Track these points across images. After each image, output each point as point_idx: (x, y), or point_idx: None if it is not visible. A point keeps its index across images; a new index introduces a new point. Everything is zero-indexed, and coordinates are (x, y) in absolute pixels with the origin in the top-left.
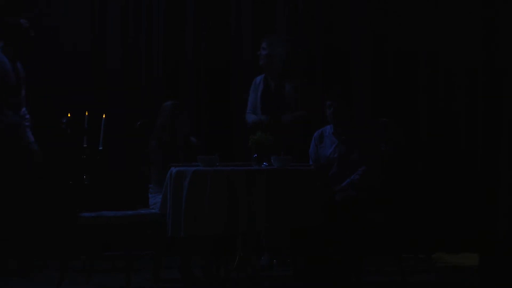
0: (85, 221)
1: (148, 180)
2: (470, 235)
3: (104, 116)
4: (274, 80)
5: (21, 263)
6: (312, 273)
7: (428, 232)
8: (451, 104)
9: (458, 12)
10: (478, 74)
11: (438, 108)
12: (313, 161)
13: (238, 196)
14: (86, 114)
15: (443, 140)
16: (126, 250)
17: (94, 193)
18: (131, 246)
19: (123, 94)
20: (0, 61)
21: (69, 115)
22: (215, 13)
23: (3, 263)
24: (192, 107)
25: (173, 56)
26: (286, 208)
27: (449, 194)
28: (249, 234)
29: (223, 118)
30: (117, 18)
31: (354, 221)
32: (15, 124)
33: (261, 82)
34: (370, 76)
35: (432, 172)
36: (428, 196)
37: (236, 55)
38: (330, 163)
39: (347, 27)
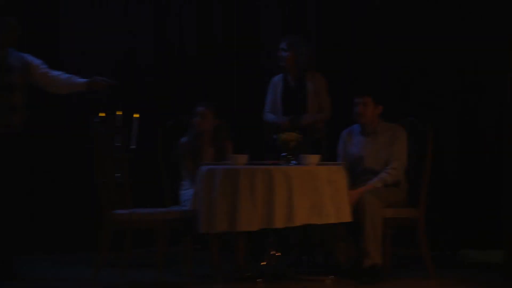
0: (119, 218)
1: (180, 177)
2: (495, 233)
3: (136, 115)
4: (294, 80)
5: (54, 257)
6: (340, 269)
7: (454, 230)
8: (479, 103)
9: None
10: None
11: (467, 107)
12: (341, 159)
13: (269, 193)
14: (118, 113)
15: (469, 138)
16: (158, 246)
17: (127, 191)
18: (163, 242)
19: (155, 94)
20: None
21: (103, 114)
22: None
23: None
24: (223, 108)
25: (205, 58)
26: (317, 204)
27: (475, 192)
28: (282, 230)
29: (252, 118)
30: (150, 17)
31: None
32: None
33: (279, 82)
34: (397, 74)
35: (458, 170)
36: (455, 194)
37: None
38: (358, 161)
39: (374, 25)
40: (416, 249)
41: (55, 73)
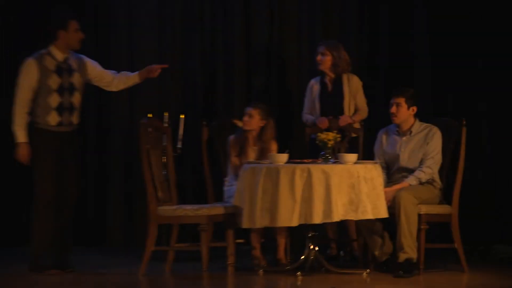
0: (165, 213)
1: (224, 174)
2: None
3: (183, 116)
4: (331, 83)
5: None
6: (376, 262)
7: (487, 225)
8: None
9: None
10: None
11: (497, 108)
12: (378, 158)
13: (308, 191)
14: (166, 114)
15: (500, 137)
16: (202, 240)
17: (173, 188)
18: (206, 237)
19: (200, 95)
20: None
21: (150, 115)
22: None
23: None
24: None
25: (248, 62)
26: (354, 201)
27: (507, 190)
28: (322, 225)
29: (292, 118)
30: (195, 21)
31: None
32: None
33: (316, 84)
34: (430, 76)
35: (490, 169)
36: (488, 191)
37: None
38: (394, 159)
39: (410, 29)
40: (449, 244)
41: (110, 72)
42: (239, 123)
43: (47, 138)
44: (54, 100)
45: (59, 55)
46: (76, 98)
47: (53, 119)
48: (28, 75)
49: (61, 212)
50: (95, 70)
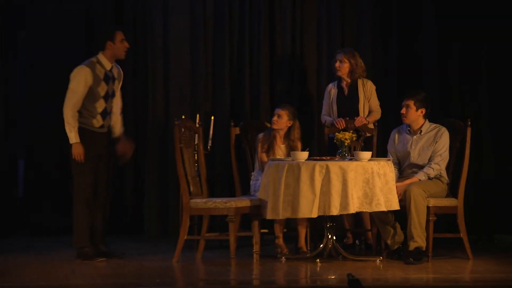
0: (196, 206)
1: (250, 169)
2: None
3: (213, 117)
4: (347, 87)
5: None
6: (388, 251)
7: (490, 217)
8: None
9: None
10: None
11: (499, 109)
12: (390, 155)
13: (327, 185)
14: (198, 115)
15: (501, 136)
16: (230, 230)
17: (204, 182)
18: (234, 227)
19: (229, 98)
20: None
21: (183, 116)
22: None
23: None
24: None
25: (271, 68)
26: (368, 195)
27: (509, 183)
28: (339, 217)
29: (313, 119)
30: (225, 33)
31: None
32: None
33: (334, 89)
34: (438, 79)
35: (493, 165)
36: (491, 185)
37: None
38: (405, 156)
39: (419, 34)
40: (456, 234)
41: (119, 103)
42: (269, 124)
43: (91, 139)
44: (100, 105)
45: (107, 64)
46: (114, 103)
47: (97, 122)
48: (83, 82)
49: (98, 203)
50: (121, 83)
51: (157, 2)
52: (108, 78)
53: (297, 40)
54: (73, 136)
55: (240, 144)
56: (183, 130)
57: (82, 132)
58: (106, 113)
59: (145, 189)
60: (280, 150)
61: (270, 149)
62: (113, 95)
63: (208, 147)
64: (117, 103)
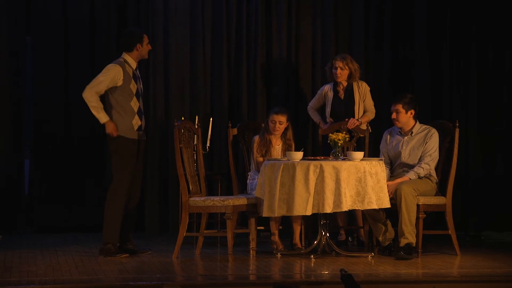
0: (195, 204)
1: (247, 169)
2: None
3: (211, 119)
4: (344, 91)
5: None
6: (380, 247)
7: (478, 214)
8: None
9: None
10: None
11: (487, 110)
12: (382, 155)
13: (320, 184)
14: (197, 117)
15: (490, 137)
16: (227, 227)
17: (203, 181)
18: (232, 225)
19: (226, 101)
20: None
21: (182, 118)
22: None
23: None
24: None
25: (267, 72)
26: (360, 193)
27: (495, 183)
28: (332, 214)
29: (306, 121)
30: (223, 38)
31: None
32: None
33: (330, 91)
34: (429, 82)
35: (480, 164)
36: (479, 184)
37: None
38: (396, 156)
39: (412, 42)
40: (444, 231)
41: None
42: (263, 124)
43: (128, 145)
44: (135, 104)
45: (133, 64)
46: (142, 103)
47: (136, 122)
48: (111, 77)
49: (132, 204)
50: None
51: (158, 7)
52: (136, 77)
53: (293, 44)
54: (102, 116)
55: (237, 145)
56: (182, 131)
57: (125, 140)
58: (141, 113)
59: (146, 187)
60: (275, 151)
61: (266, 153)
62: (142, 94)
63: (207, 147)
64: None
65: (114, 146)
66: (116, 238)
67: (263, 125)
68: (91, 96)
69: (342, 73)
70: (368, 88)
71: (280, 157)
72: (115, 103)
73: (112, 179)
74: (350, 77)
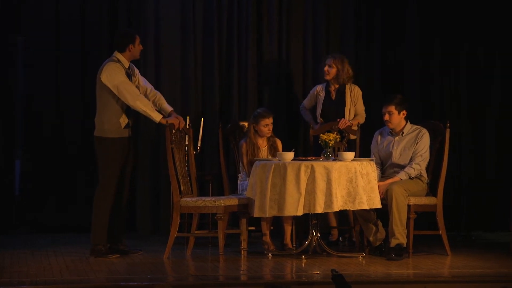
0: (187, 204)
1: (238, 170)
2: (503, 217)
3: (202, 119)
4: (335, 91)
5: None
6: (371, 247)
7: (468, 215)
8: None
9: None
10: None
11: (478, 111)
12: (373, 155)
13: (312, 184)
14: (188, 117)
15: (480, 137)
16: (219, 228)
17: (194, 182)
18: (223, 225)
19: (217, 101)
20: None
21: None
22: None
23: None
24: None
25: (258, 72)
26: (351, 193)
27: (486, 184)
28: (323, 215)
29: (297, 122)
30: (214, 38)
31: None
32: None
33: (322, 92)
34: (419, 84)
35: (471, 165)
36: (469, 185)
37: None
38: (387, 157)
39: (403, 43)
40: (435, 231)
41: (149, 85)
42: (246, 125)
43: (113, 145)
44: (123, 102)
45: (125, 63)
46: (142, 90)
47: (123, 120)
48: (120, 71)
49: (121, 205)
50: (139, 79)
51: (149, 10)
52: (129, 75)
53: (284, 45)
54: (155, 116)
55: (228, 145)
56: (174, 131)
57: (112, 141)
58: (130, 110)
59: (138, 188)
60: (263, 152)
61: (255, 155)
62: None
63: (198, 148)
64: (147, 86)
65: (100, 146)
66: (104, 239)
67: (246, 130)
68: (133, 102)
69: (329, 71)
70: (361, 93)
71: (267, 157)
72: (105, 101)
73: (98, 179)
74: (337, 78)
